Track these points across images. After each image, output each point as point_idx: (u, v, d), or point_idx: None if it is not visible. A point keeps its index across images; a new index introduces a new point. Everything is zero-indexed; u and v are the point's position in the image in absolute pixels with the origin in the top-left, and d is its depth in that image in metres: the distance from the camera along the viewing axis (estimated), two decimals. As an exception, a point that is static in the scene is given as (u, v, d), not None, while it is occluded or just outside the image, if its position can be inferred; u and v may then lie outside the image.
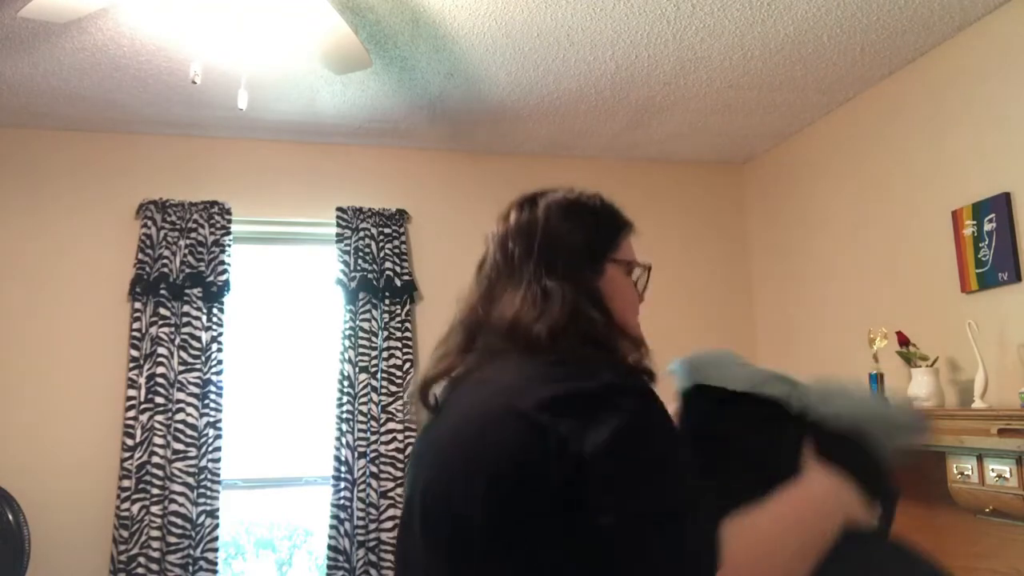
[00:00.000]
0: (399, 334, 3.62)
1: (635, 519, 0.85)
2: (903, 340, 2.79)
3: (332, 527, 3.41)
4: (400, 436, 3.52)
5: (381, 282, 3.64)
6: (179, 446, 3.34)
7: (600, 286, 1.11)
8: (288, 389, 3.75)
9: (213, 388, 3.43)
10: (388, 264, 3.66)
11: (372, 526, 3.43)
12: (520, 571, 0.89)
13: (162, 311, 3.42)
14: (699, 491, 0.88)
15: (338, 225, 3.68)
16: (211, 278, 3.51)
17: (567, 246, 1.11)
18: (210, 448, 3.38)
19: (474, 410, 1.00)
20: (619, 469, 0.87)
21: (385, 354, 3.59)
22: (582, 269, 1.10)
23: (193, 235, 3.52)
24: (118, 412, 3.38)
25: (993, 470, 2.15)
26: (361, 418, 3.51)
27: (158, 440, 3.33)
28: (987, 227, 2.64)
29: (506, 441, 0.92)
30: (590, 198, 1.18)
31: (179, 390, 3.39)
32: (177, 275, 3.48)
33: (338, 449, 3.47)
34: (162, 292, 3.43)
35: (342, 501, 3.43)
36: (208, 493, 3.35)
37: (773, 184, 4.00)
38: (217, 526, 3.35)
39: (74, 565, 3.28)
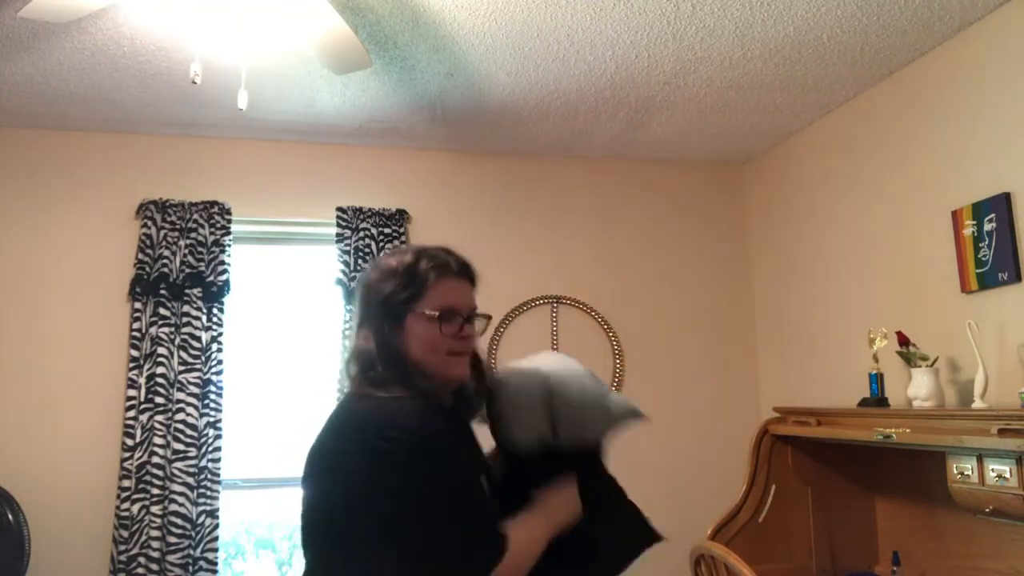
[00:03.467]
0: (399, 334, 3.61)
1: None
2: (903, 340, 2.79)
3: (332, 527, 3.41)
4: (400, 436, 3.52)
5: (381, 282, 3.63)
6: (179, 446, 3.34)
7: (397, 335, 1.40)
8: (288, 389, 3.75)
9: (213, 388, 3.43)
10: (388, 264, 3.66)
11: (372, 526, 3.43)
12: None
13: (162, 311, 3.43)
14: None
15: (338, 225, 3.68)
16: (211, 278, 3.51)
17: (375, 302, 1.43)
18: (210, 448, 3.38)
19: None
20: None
21: (385, 354, 3.58)
22: (383, 321, 1.41)
23: (193, 235, 3.53)
24: (118, 412, 3.38)
25: (993, 470, 2.14)
26: (361, 418, 3.50)
27: (158, 440, 3.33)
28: (987, 227, 2.64)
29: None
30: (404, 256, 1.45)
31: (179, 390, 3.39)
32: (177, 275, 3.48)
33: (338, 449, 3.47)
34: (162, 292, 3.43)
35: (342, 501, 3.43)
36: (208, 493, 3.35)
37: (773, 184, 4.00)
38: (217, 526, 3.35)
39: (74, 565, 3.28)
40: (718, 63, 3.01)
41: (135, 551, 3.23)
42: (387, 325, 1.40)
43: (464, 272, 1.48)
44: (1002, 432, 2.10)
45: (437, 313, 1.40)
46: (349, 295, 3.61)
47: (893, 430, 2.51)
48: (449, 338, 1.41)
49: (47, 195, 3.53)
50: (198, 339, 3.45)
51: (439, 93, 3.26)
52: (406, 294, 1.41)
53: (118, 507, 3.28)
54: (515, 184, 4.02)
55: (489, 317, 1.51)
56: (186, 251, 3.51)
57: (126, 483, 3.29)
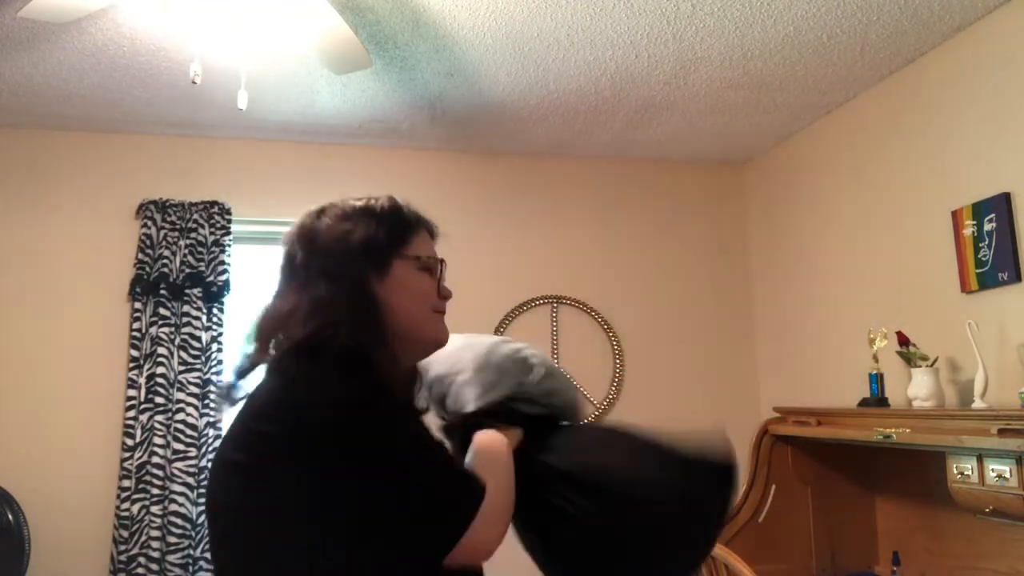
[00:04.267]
0: (399, 334, 3.61)
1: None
2: (903, 340, 2.79)
3: (332, 527, 3.41)
4: (400, 436, 3.52)
5: (381, 282, 3.64)
6: (179, 446, 3.34)
7: (377, 284, 1.16)
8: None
9: (213, 388, 3.43)
10: (388, 264, 3.66)
11: (372, 526, 3.43)
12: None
13: (162, 311, 3.43)
14: None
15: (338, 225, 3.68)
16: (211, 278, 3.51)
17: (340, 248, 1.16)
18: (210, 448, 3.38)
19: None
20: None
21: (385, 354, 3.58)
22: (359, 268, 1.15)
23: (193, 235, 3.53)
24: (118, 412, 3.38)
25: (993, 470, 2.14)
26: (361, 418, 3.50)
27: (158, 440, 3.33)
28: (987, 227, 2.64)
29: None
30: (373, 200, 1.22)
31: (179, 390, 3.39)
32: (177, 275, 3.48)
33: (338, 449, 3.47)
34: (162, 292, 3.43)
35: (342, 501, 3.43)
36: (208, 493, 3.35)
37: (773, 184, 4.00)
38: (217, 526, 3.35)
39: (74, 565, 3.28)
40: (718, 63, 3.01)
41: (135, 551, 3.23)
42: (365, 272, 1.15)
43: (432, 228, 1.28)
44: (1002, 432, 2.10)
45: (426, 258, 1.21)
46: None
47: (893, 430, 2.51)
48: (436, 292, 1.22)
49: (47, 195, 3.53)
50: (198, 339, 3.45)
51: (439, 93, 3.26)
52: (391, 237, 1.19)
53: (118, 507, 3.28)
54: (515, 184, 4.02)
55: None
56: (186, 251, 3.51)
57: (126, 483, 3.29)
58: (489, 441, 1.20)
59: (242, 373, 1.14)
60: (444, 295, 1.23)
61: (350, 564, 1.02)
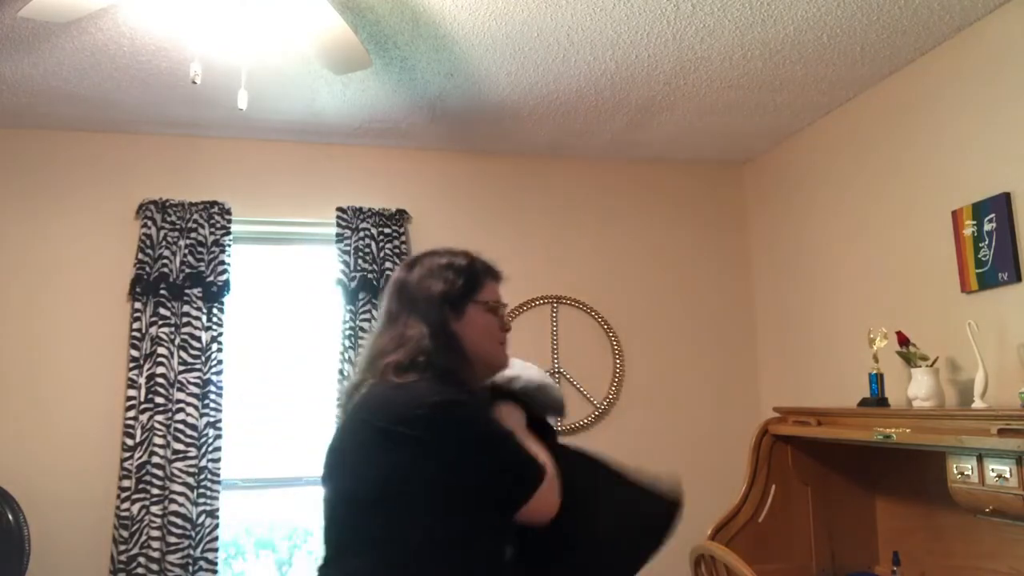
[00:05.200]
0: (399, 334, 3.61)
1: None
2: (903, 340, 2.79)
3: (332, 527, 3.41)
4: (400, 436, 3.52)
5: (381, 282, 3.64)
6: (179, 446, 3.34)
7: (456, 324, 1.53)
8: (288, 389, 3.75)
9: (213, 388, 3.43)
10: (388, 264, 3.67)
11: (372, 526, 3.43)
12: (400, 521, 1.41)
13: (162, 311, 3.43)
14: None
15: (338, 225, 3.68)
16: (211, 278, 3.51)
17: (423, 296, 1.54)
18: (210, 448, 3.38)
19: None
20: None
21: (385, 354, 3.58)
22: (440, 312, 1.53)
23: (193, 235, 3.53)
24: (118, 412, 3.38)
25: (993, 470, 2.14)
26: (361, 418, 3.50)
27: (158, 440, 3.33)
28: (987, 227, 2.64)
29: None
30: (454, 257, 1.60)
31: (179, 390, 3.39)
32: (177, 275, 3.48)
33: (338, 449, 3.47)
34: (162, 292, 3.44)
35: (342, 501, 3.43)
36: (208, 493, 3.35)
37: (773, 184, 4.00)
38: (217, 526, 3.35)
39: (74, 565, 3.28)
40: (718, 63, 3.01)
41: (135, 551, 3.23)
42: (446, 316, 1.52)
43: (499, 275, 1.67)
44: (1002, 432, 2.10)
45: (498, 305, 1.60)
46: (351, 295, 3.62)
47: (893, 430, 2.51)
48: (500, 329, 1.59)
49: (47, 195, 3.53)
50: (198, 339, 3.45)
51: (439, 93, 3.26)
52: (466, 288, 1.56)
53: (118, 507, 3.28)
54: (515, 184, 4.02)
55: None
56: (186, 251, 3.51)
57: (126, 483, 3.29)
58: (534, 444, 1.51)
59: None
60: (505, 329, 1.60)
61: (459, 514, 1.39)
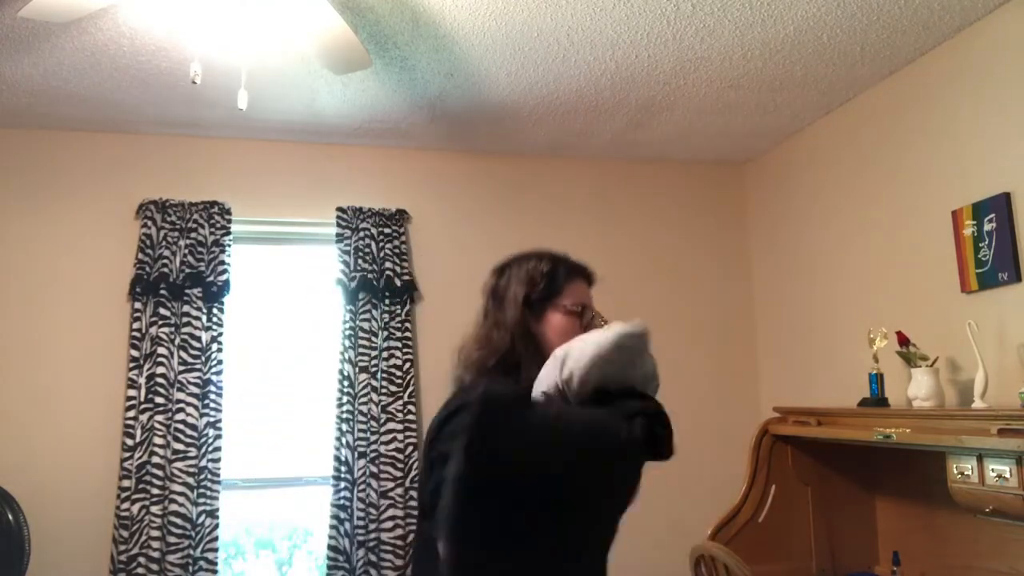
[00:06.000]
0: (399, 334, 3.62)
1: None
2: (903, 340, 2.79)
3: (332, 527, 3.41)
4: (400, 436, 3.52)
5: (381, 282, 3.64)
6: (179, 446, 3.34)
7: (536, 326, 1.61)
8: (288, 389, 3.75)
9: (213, 388, 3.43)
10: (388, 264, 3.67)
11: (372, 526, 3.43)
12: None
13: (162, 311, 3.43)
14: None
15: (338, 225, 3.68)
16: (211, 278, 3.51)
17: (509, 298, 1.62)
18: (210, 448, 3.38)
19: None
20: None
21: (385, 354, 3.59)
22: (523, 314, 1.61)
23: (193, 235, 3.53)
24: (118, 412, 3.38)
25: (993, 470, 2.14)
26: (361, 418, 3.51)
27: (158, 440, 3.33)
28: (987, 227, 2.64)
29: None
30: (541, 262, 1.67)
31: (179, 390, 3.39)
32: (177, 275, 3.48)
33: (338, 449, 3.47)
34: (162, 292, 3.43)
35: (342, 501, 3.43)
36: (208, 493, 3.35)
37: (773, 184, 4.00)
38: (217, 526, 3.35)
39: (74, 565, 3.28)
40: (718, 63, 3.01)
41: (135, 551, 3.23)
42: (526, 318, 1.60)
43: (589, 275, 1.74)
44: (1002, 432, 2.10)
45: (577, 308, 1.65)
46: (351, 295, 3.62)
47: (893, 430, 2.51)
48: (578, 330, 1.62)
49: (47, 195, 3.53)
50: (198, 339, 3.45)
51: (439, 93, 3.26)
52: (546, 291, 1.63)
53: (118, 507, 3.28)
54: (515, 184, 4.02)
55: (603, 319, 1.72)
56: (186, 251, 3.51)
57: (126, 483, 3.29)
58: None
59: (459, 379, 1.61)
60: (589, 328, 1.63)
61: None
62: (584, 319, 1.66)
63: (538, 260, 1.67)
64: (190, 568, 3.28)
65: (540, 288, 1.64)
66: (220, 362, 3.47)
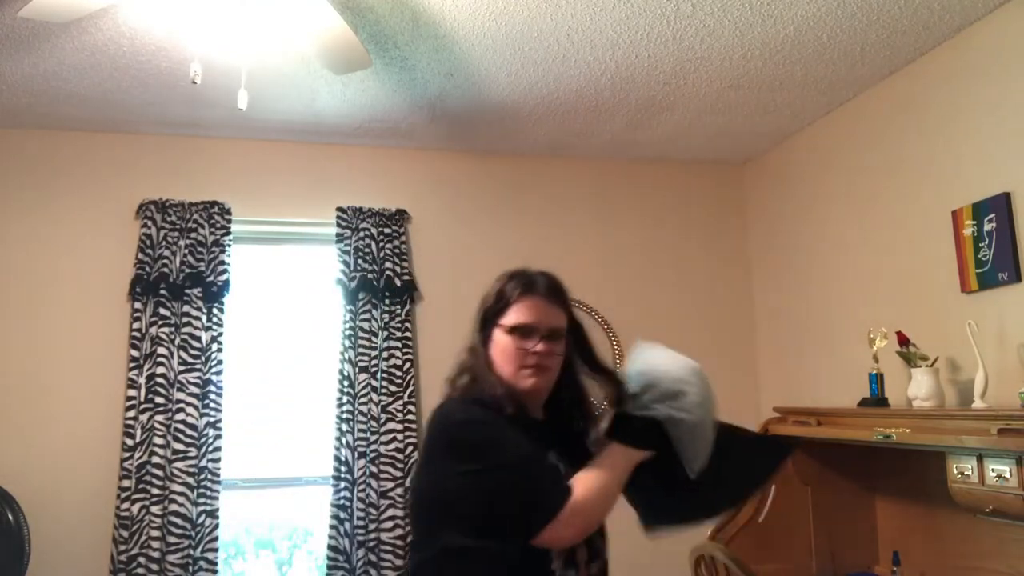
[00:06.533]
0: (399, 334, 3.62)
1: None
2: (903, 340, 2.79)
3: (332, 527, 3.41)
4: (400, 436, 3.52)
5: (381, 282, 3.64)
6: (179, 446, 3.34)
7: (486, 346, 1.60)
8: (288, 389, 3.75)
9: (213, 388, 3.43)
10: (388, 264, 3.67)
11: (372, 526, 3.43)
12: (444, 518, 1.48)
13: (162, 311, 3.42)
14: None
15: (338, 225, 3.68)
16: (211, 278, 3.51)
17: (478, 318, 1.64)
18: (210, 448, 3.38)
19: None
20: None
21: (385, 354, 3.59)
22: (479, 334, 1.62)
23: (193, 235, 3.53)
24: (118, 412, 3.38)
25: (993, 470, 2.14)
26: (361, 418, 3.51)
27: (158, 440, 3.33)
28: (987, 227, 2.64)
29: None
30: (498, 281, 1.66)
31: (179, 390, 3.39)
32: (177, 275, 3.48)
33: (338, 449, 3.47)
34: (162, 292, 3.43)
35: (342, 501, 3.43)
36: (208, 493, 3.35)
37: (773, 184, 4.00)
38: (217, 526, 3.35)
39: (74, 565, 3.28)
40: (718, 63, 3.01)
41: (135, 551, 3.23)
42: (480, 338, 1.61)
43: (551, 293, 1.64)
44: (1002, 432, 2.10)
45: (510, 326, 1.58)
46: (351, 295, 3.62)
47: (893, 430, 2.51)
48: (520, 351, 1.56)
49: (47, 195, 3.53)
50: (198, 339, 3.45)
51: (439, 93, 3.26)
52: (495, 309, 1.61)
53: (118, 507, 3.28)
54: (515, 184, 4.02)
55: (575, 338, 1.66)
56: (186, 251, 3.51)
57: (126, 483, 3.29)
58: (622, 451, 1.54)
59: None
60: (535, 351, 1.56)
61: (467, 527, 1.45)
62: (532, 339, 1.57)
63: (500, 279, 1.67)
64: (190, 568, 3.28)
65: (490, 306, 1.63)
66: (220, 362, 3.47)
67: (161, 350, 3.39)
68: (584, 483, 1.45)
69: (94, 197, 3.57)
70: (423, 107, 3.40)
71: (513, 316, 1.59)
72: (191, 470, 3.34)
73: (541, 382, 1.58)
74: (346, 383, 3.53)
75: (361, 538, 3.41)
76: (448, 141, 3.84)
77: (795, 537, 3.13)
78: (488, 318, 1.62)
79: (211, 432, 3.40)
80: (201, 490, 3.34)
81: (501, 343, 1.58)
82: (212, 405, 3.42)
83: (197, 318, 3.46)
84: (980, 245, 2.66)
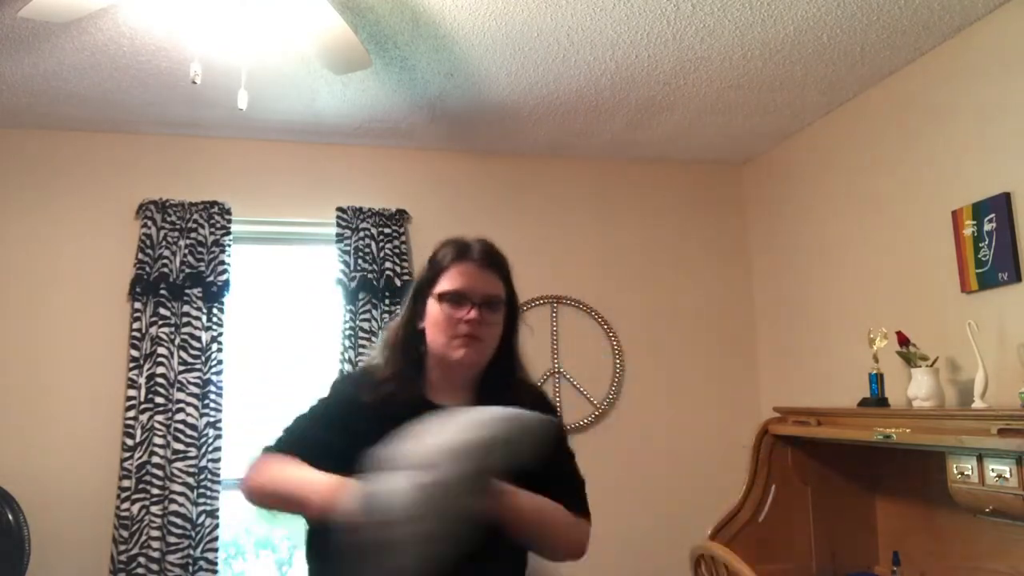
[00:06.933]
0: (399, 334, 3.61)
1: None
2: (903, 340, 2.79)
3: (332, 527, 3.41)
4: (400, 436, 3.52)
5: (381, 282, 3.64)
6: (179, 446, 3.34)
7: (419, 316, 1.52)
8: (288, 389, 3.75)
9: (213, 388, 3.43)
10: (388, 264, 3.67)
11: (372, 526, 3.43)
12: None
13: (162, 311, 3.42)
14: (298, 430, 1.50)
15: (338, 225, 3.68)
16: (211, 278, 3.51)
17: (412, 288, 1.58)
18: (210, 448, 3.38)
19: None
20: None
21: (385, 354, 3.58)
22: (412, 303, 1.54)
23: (193, 235, 3.53)
24: (118, 412, 3.38)
25: (993, 470, 2.14)
26: (361, 418, 3.50)
27: (158, 440, 3.33)
28: (987, 227, 2.64)
29: None
30: (435, 250, 1.57)
31: (179, 390, 3.39)
32: (177, 275, 3.48)
33: (338, 449, 3.47)
34: (162, 292, 3.43)
35: (342, 501, 3.43)
36: (208, 493, 3.35)
37: (773, 184, 4.00)
38: (217, 526, 3.35)
39: (74, 565, 3.28)
40: (718, 63, 3.01)
41: (135, 551, 3.23)
42: (413, 310, 1.52)
43: (486, 259, 1.52)
44: (1002, 432, 2.10)
45: (439, 293, 1.48)
46: (351, 295, 3.62)
47: (893, 430, 2.51)
48: (452, 320, 1.46)
49: (47, 195, 3.53)
50: (198, 339, 3.45)
51: (439, 93, 3.26)
52: (427, 278, 1.52)
53: (118, 507, 3.28)
54: (515, 184, 4.02)
55: (511, 307, 1.54)
56: (186, 251, 3.51)
57: (126, 483, 3.29)
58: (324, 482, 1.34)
59: None
60: (468, 319, 1.45)
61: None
62: (463, 307, 1.45)
63: (436, 245, 1.57)
64: (190, 568, 3.28)
65: (423, 275, 1.53)
66: (220, 362, 3.47)
67: (161, 350, 3.39)
68: (279, 467, 1.39)
69: (94, 197, 3.57)
70: (423, 107, 3.40)
71: (445, 283, 1.49)
72: (191, 470, 3.34)
73: (472, 354, 1.46)
74: (346, 383, 3.53)
75: (361, 538, 3.41)
76: (448, 141, 3.84)
77: (795, 537, 3.12)
78: (421, 287, 1.52)
79: (211, 432, 3.40)
80: (201, 490, 3.34)
81: (433, 312, 1.49)
82: (212, 405, 3.42)
83: (197, 318, 3.46)
84: (980, 245, 2.66)
